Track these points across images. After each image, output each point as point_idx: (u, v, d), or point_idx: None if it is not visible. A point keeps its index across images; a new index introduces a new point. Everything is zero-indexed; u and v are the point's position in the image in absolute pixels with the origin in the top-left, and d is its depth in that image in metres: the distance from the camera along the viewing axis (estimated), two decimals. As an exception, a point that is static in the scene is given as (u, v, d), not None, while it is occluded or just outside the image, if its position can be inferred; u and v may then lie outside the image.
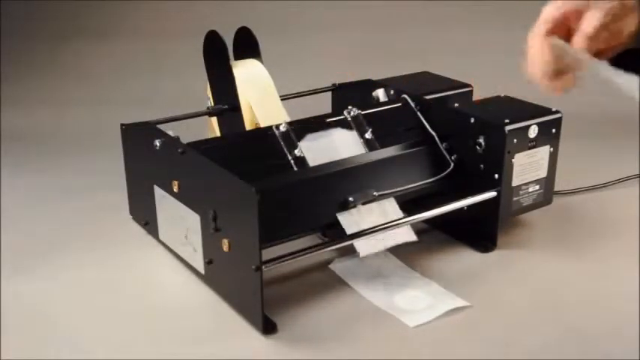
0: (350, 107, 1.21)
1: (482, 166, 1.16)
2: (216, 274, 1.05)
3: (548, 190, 1.22)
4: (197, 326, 1.00)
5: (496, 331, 0.99)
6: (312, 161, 1.11)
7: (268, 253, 0.99)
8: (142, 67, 2.14)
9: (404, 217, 1.11)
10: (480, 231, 1.20)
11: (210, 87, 1.30)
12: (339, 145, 1.15)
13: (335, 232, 1.08)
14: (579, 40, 0.68)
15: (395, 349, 0.95)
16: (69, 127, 1.84)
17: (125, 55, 2.18)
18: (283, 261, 0.99)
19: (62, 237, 1.26)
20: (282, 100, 1.28)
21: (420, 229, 1.24)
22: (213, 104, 1.29)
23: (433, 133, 1.21)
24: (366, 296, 1.06)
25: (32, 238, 1.26)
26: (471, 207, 1.15)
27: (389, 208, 1.12)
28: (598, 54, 0.69)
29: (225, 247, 0.98)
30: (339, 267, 1.14)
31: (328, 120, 1.19)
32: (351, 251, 1.07)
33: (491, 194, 1.15)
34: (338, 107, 1.33)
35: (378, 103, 1.31)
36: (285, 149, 1.11)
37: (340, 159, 1.13)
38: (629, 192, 1.42)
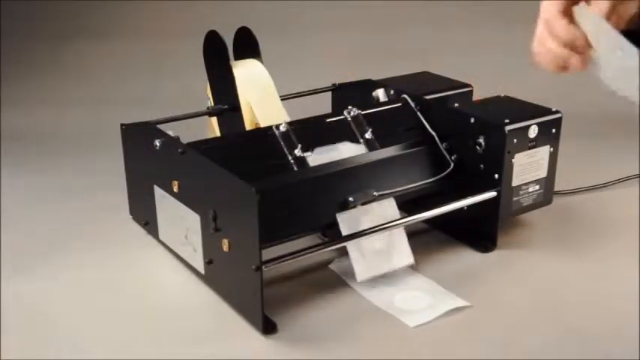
0: (350, 107, 1.21)
1: (482, 166, 1.16)
2: (216, 274, 1.05)
3: (548, 190, 1.22)
4: (197, 326, 1.00)
5: (496, 331, 0.99)
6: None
7: (268, 253, 0.99)
8: (142, 67, 2.14)
9: (404, 218, 1.11)
10: (480, 231, 1.20)
11: (210, 87, 1.30)
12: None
13: (335, 232, 1.08)
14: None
15: (395, 349, 0.95)
16: (69, 127, 1.84)
17: (125, 55, 2.18)
18: (283, 261, 0.99)
19: (62, 237, 1.26)
20: (282, 100, 1.28)
21: (420, 229, 1.24)
22: (213, 104, 1.29)
23: (433, 133, 1.22)
24: (366, 296, 1.06)
25: (32, 238, 1.26)
26: (470, 207, 1.15)
27: (388, 209, 1.12)
28: None
29: (225, 247, 0.98)
30: (339, 267, 1.14)
31: (328, 120, 1.19)
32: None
33: (491, 194, 1.15)
34: (338, 107, 1.33)
35: (378, 103, 1.31)
36: (285, 149, 1.11)
37: (340, 159, 1.13)
38: (629, 192, 1.42)
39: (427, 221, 1.23)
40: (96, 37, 2.22)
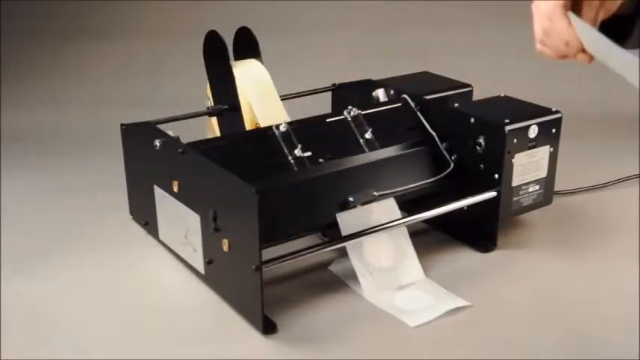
0: (350, 107, 1.21)
1: (482, 166, 1.16)
2: (216, 274, 1.05)
3: (548, 190, 1.22)
4: (197, 326, 1.00)
5: (496, 331, 0.99)
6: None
7: (268, 253, 0.99)
8: (142, 67, 2.14)
9: (404, 218, 1.11)
10: (480, 231, 1.20)
11: (210, 87, 1.30)
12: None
13: (335, 232, 1.08)
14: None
15: (395, 349, 0.95)
16: (69, 127, 1.84)
17: (125, 55, 2.18)
18: (283, 261, 0.99)
19: (62, 237, 1.26)
20: (282, 100, 1.28)
21: (420, 229, 1.24)
22: (213, 104, 1.29)
23: (433, 133, 1.22)
24: (366, 296, 1.06)
25: (32, 238, 1.26)
26: (471, 207, 1.15)
27: (389, 209, 1.12)
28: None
29: (225, 247, 0.98)
30: (338, 268, 1.14)
31: (328, 120, 1.19)
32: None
33: (491, 194, 1.15)
34: (338, 107, 1.33)
35: (378, 103, 1.31)
36: (285, 149, 1.11)
37: (340, 159, 1.13)
38: (629, 192, 1.42)
39: (427, 221, 1.23)
40: (96, 37, 2.22)
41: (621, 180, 1.46)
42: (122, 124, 1.23)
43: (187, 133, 1.14)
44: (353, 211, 1.10)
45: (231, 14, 1.88)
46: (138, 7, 2.27)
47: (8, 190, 1.45)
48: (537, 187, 1.20)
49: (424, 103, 1.26)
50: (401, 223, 1.09)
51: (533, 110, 1.20)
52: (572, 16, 0.72)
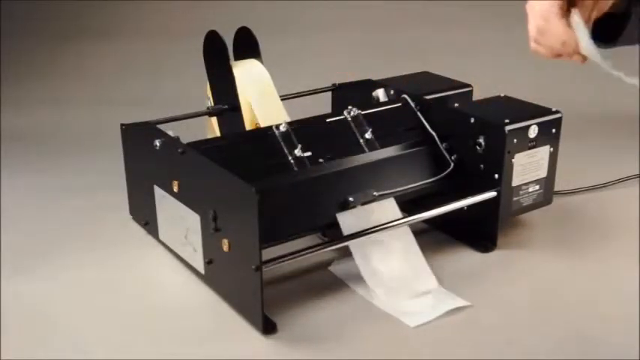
0: (350, 107, 1.21)
1: (482, 166, 1.16)
2: (216, 274, 1.05)
3: (548, 190, 1.22)
4: (197, 326, 1.00)
5: (496, 331, 0.99)
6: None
7: (268, 253, 0.99)
8: (142, 67, 2.14)
9: (404, 218, 1.11)
10: (480, 231, 1.20)
11: (210, 87, 1.30)
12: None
13: (335, 232, 1.08)
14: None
15: (395, 349, 0.95)
16: (69, 127, 1.84)
17: (125, 55, 2.18)
18: (283, 261, 0.99)
19: (62, 237, 1.26)
20: (282, 100, 1.28)
21: (420, 229, 1.24)
22: (213, 104, 1.29)
23: (433, 133, 1.21)
24: (366, 297, 1.06)
25: (32, 238, 1.26)
26: (470, 207, 1.15)
27: (389, 209, 1.12)
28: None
29: (225, 247, 0.98)
30: (339, 269, 1.14)
31: (328, 120, 1.19)
32: (351, 252, 1.07)
33: (491, 194, 1.15)
34: (338, 107, 1.33)
35: (378, 103, 1.31)
36: (285, 149, 1.11)
37: (340, 159, 1.13)
38: (629, 192, 1.42)
39: (427, 221, 1.23)
40: (96, 38, 2.22)
41: (621, 180, 1.46)
42: (122, 124, 1.23)
43: (187, 133, 1.14)
44: (353, 211, 1.10)
45: (231, 14, 1.88)
46: (138, 7, 2.27)
47: (8, 190, 1.45)
48: (537, 187, 1.20)
49: (424, 103, 1.26)
50: (401, 223, 1.09)
51: (533, 110, 1.20)
52: (576, 18, 0.73)
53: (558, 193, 1.33)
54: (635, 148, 1.59)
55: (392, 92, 1.32)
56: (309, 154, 1.11)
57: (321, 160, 1.12)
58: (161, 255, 1.19)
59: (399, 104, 1.27)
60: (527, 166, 1.17)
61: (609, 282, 1.11)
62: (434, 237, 1.24)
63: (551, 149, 1.19)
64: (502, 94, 1.29)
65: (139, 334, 0.99)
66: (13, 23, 2.21)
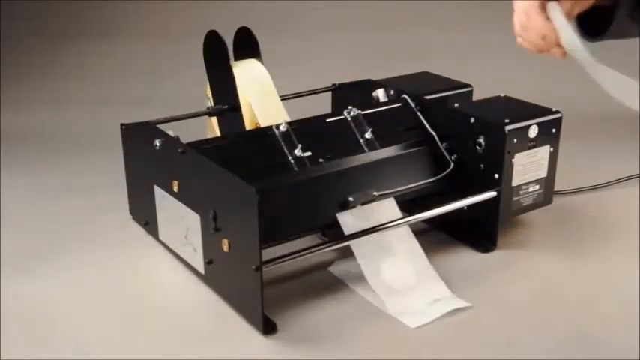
0: (350, 107, 1.21)
1: (482, 166, 1.16)
2: (216, 274, 1.05)
3: (548, 190, 1.22)
4: (197, 326, 1.00)
5: (496, 331, 0.99)
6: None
7: (268, 253, 0.99)
8: (142, 67, 2.14)
9: (404, 218, 1.11)
10: (480, 231, 1.20)
11: (210, 87, 1.30)
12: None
13: (335, 232, 1.08)
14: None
15: (395, 349, 0.95)
16: (69, 127, 1.84)
17: (125, 55, 2.18)
18: (283, 261, 0.99)
19: (62, 237, 1.26)
20: (282, 100, 1.28)
21: (420, 229, 1.24)
22: (213, 104, 1.29)
23: (433, 133, 1.21)
24: (366, 297, 1.06)
25: (32, 238, 1.26)
26: (470, 207, 1.15)
27: (389, 209, 1.12)
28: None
29: (225, 247, 0.98)
30: (338, 269, 1.14)
31: (328, 120, 1.19)
32: (351, 252, 1.07)
33: (491, 194, 1.15)
34: (338, 107, 1.33)
35: (378, 103, 1.31)
36: (285, 149, 1.11)
37: (340, 159, 1.13)
38: (629, 192, 1.42)
39: (427, 221, 1.23)
40: (96, 38, 2.22)
41: (621, 180, 1.46)
42: (122, 124, 1.23)
43: (187, 133, 1.14)
44: (353, 211, 1.10)
45: (231, 14, 1.88)
46: (138, 7, 2.27)
47: (8, 190, 1.45)
48: (537, 187, 1.20)
49: (424, 103, 1.26)
50: (401, 223, 1.09)
51: (533, 110, 1.20)
52: (555, 10, 0.74)
53: (558, 193, 1.33)
54: (635, 148, 1.59)
55: (392, 92, 1.32)
56: (309, 154, 1.11)
57: (321, 160, 1.12)
58: (161, 255, 1.19)
59: (399, 104, 1.27)
60: (527, 166, 1.17)
61: (609, 282, 1.11)
62: (434, 237, 1.24)
63: (551, 149, 1.19)
64: (502, 94, 1.30)
65: (139, 334, 0.99)
66: (13, 23, 2.21)
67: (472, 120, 1.17)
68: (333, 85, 1.44)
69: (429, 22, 2.22)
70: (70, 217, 1.33)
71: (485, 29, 2.16)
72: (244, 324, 1.00)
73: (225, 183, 0.97)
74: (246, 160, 1.08)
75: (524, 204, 1.20)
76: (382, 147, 1.18)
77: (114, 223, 1.30)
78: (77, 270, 1.15)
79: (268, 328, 0.98)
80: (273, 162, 1.10)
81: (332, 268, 1.14)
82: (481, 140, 1.16)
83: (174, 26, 2.24)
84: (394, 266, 1.08)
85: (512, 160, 1.14)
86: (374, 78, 1.40)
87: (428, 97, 1.28)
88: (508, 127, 1.12)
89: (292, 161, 1.10)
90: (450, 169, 1.19)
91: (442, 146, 1.21)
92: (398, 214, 1.12)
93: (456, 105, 1.27)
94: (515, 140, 1.13)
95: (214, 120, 1.29)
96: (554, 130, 1.18)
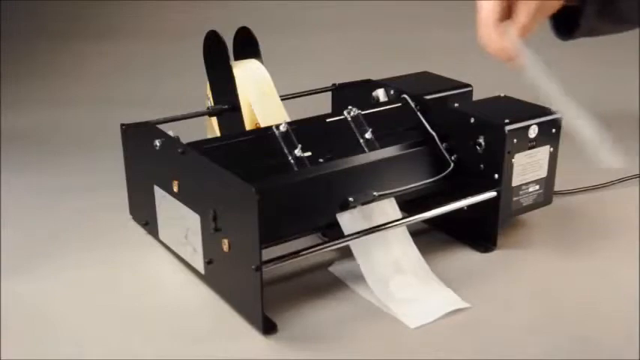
0: (350, 107, 1.21)
1: (482, 166, 1.16)
2: (216, 274, 1.05)
3: (548, 190, 1.22)
4: (197, 326, 1.00)
5: (496, 331, 0.99)
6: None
7: (268, 253, 0.99)
8: (142, 67, 2.14)
9: (404, 218, 1.11)
10: (479, 231, 1.20)
11: (210, 87, 1.30)
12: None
13: (335, 232, 1.08)
14: (517, 31, 0.77)
15: (395, 349, 0.95)
16: (69, 127, 1.84)
17: (125, 55, 2.18)
18: (283, 261, 0.99)
19: (62, 237, 1.26)
20: (282, 100, 1.28)
21: (420, 229, 1.24)
22: (213, 104, 1.29)
23: (433, 133, 1.22)
24: (366, 297, 1.06)
25: (32, 238, 1.26)
26: (470, 207, 1.15)
27: (389, 209, 1.12)
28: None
29: (225, 247, 0.98)
30: (338, 269, 1.14)
31: (328, 120, 1.19)
32: (351, 252, 1.07)
33: (491, 194, 1.15)
34: (338, 107, 1.33)
35: (378, 103, 1.31)
36: (285, 149, 1.11)
37: (340, 159, 1.13)
38: (629, 192, 1.42)
39: (427, 221, 1.23)
40: (96, 38, 2.22)
41: (621, 180, 1.46)
42: (122, 124, 1.23)
43: (187, 133, 1.14)
44: (353, 211, 1.10)
45: (231, 14, 1.88)
46: (138, 7, 2.27)
47: (8, 190, 1.45)
48: (537, 187, 1.20)
49: (424, 103, 1.26)
50: (401, 223, 1.09)
51: (533, 110, 1.20)
52: (511, 34, 0.76)
53: (558, 193, 1.33)
54: (635, 148, 1.59)
55: (392, 92, 1.32)
56: (309, 154, 1.11)
57: (321, 160, 1.12)
58: (161, 255, 1.19)
59: (399, 104, 1.27)
60: (527, 166, 1.17)
61: (609, 282, 1.11)
62: (434, 237, 1.24)
63: (551, 149, 1.19)
64: (502, 94, 1.30)
65: (139, 334, 0.99)
66: (13, 23, 2.21)
67: (472, 120, 1.17)
68: (333, 85, 1.44)
69: (429, 22, 2.22)
70: (70, 217, 1.33)
71: (486, 29, 2.16)
72: (244, 324, 1.00)
73: (225, 183, 0.97)
74: (246, 160, 1.08)
75: (524, 204, 1.20)
76: (382, 147, 1.18)
77: (114, 223, 1.30)
78: (77, 270, 1.15)
79: (268, 328, 0.98)
80: (273, 162, 1.10)
81: (332, 268, 1.14)
82: (481, 140, 1.16)
83: (174, 26, 2.24)
84: (394, 267, 1.08)
85: (512, 160, 1.14)
86: (374, 78, 1.40)
87: (428, 97, 1.28)
88: (508, 127, 1.13)
89: (292, 161, 1.10)
90: (450, 169, 1.19)
91: (442, 146, 1.21)
92: (398, 214, 1.12)
93: (456, 105, 1.27)
94: (515, 140, 1.13)
95: (214, 120, 1.29)
96: (554, 130, 1.18)
